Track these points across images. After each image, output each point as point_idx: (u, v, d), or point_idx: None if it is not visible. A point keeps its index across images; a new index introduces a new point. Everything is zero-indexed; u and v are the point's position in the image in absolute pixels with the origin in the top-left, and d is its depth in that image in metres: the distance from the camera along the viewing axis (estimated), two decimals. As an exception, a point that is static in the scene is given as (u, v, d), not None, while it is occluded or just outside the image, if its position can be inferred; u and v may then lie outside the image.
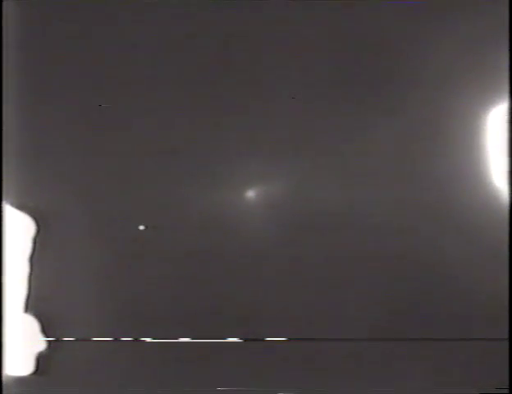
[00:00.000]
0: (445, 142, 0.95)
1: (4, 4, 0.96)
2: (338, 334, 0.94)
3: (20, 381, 0.94)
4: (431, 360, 0.94)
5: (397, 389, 0.93)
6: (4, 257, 0.94)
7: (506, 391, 0.92)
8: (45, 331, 0.94)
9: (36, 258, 0.94)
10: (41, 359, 0.94)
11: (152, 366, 0.95)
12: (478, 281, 0.94)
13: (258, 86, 0.96)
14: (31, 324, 0.94)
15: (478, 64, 0.95)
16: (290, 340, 0.94)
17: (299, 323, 0.94)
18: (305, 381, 0.94)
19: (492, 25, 0.95)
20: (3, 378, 0.94)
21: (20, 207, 0.95)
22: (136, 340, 0.94)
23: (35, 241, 0.94)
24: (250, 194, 0.95)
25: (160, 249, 0.95)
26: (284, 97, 0.95)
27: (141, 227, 0.95)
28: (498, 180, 0.94)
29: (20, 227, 0.94)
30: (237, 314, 0.94)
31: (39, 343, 0.94)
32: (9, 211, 0.95)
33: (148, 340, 0.94)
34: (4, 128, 0.95)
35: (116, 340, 0.94)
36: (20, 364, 0.94)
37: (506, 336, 0.92)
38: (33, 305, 0.94)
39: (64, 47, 0.96)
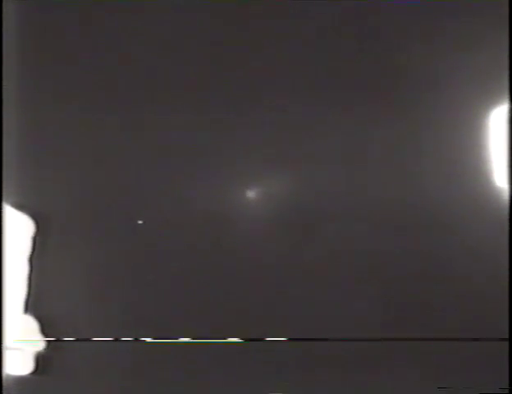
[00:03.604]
0: (446, 142, 0.95)
1: (4, 4, 0.96)
2: (338, 334, 0.94)
3: (20, 381, 0.94)
4: (431, 360, 0.94)
5: (397, 389, 0.93)
6: (4, 257, 0.94)
7: (507, 391, 0.92)
8: (45, 331, 0.94)
9: (36, 258, 0.94)
10: (41, 359, 0.94)
11: (152, 366, 0.95)
12: (478, 281, 0.94)
13: (259, 86, 0.96)
14: (31, 324, 0.94)
15: (479, 64, 0.95)
16: (290, 340, 0.94)
17: (299, 323, 0.94)
18: (305, 381, 0.94)
19: (492, 25, 0.95)
20: (3, 378, 0.94)
21: (20, 207, 0.95)
22: (136, 340, 0.94)
23: (35, 241, 0.95)
24: (251, 193, 0.95)
25: (160, 250, 0.95)
26: (284, 96, 0.96)
27: (140, 222, 0.95)
28: (498, 180, 0.94)
29: (20, 227, 0.95)
30: (237, 314, 0.94)
31: (39, 343, 0.94)
32: (9, 211, 0.95)
33: (148, 340, 0.94)
34: (4, 128, 0.95)
35: (116, 340, 0.94)
36: (20, 364, 0.94)
37: (506, 336, 0.92)
38: (33, 305, 0.94)
39: (64, 47, 0.96)
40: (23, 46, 0.96)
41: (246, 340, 0.94)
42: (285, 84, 0.96)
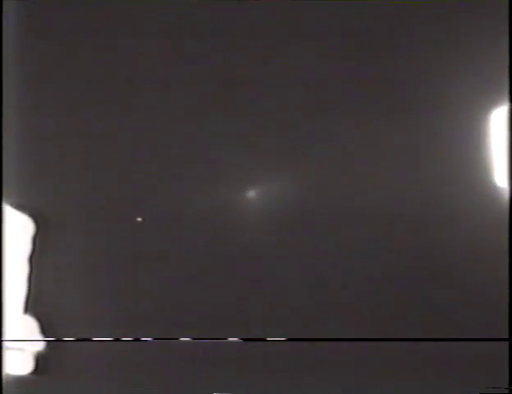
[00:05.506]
0: (446, 142, 0.95)
1: (4, 4, 0.96)
2: (338, 334, 0.94)
3: (20, 381, 0.94)
4: (431, 360, 0.94)
5: (397, 389, 0.93)
6: (4, 257, 0.94)
7: (507, 391, 0.92)
8: (45, 331, 0.94)
9: (36, 258, 0.94)
10: (41, 359, 0.94)
11: (152, 366, 0.95)
12: (478, 281, 0.94)
13: (259, 87, 0.96)
14: (31, 324, 0.94)
15: (478, 64, 0.95)
16: (289, 340, 0.94)
17: (299, 323, 0.94)
18: (305, 381, 0.94)
19: (492, 26, 0.95)
20: (3, 378, 0.94)
21: (20, 207, 0.95)
22: (136, 340, 0.94)
23: (35, 241, 0.95)
24: (251, 193, 0.95)
25: (160, 250, 0.95)
26: (284, 97, 0.95)
27: (139, 219, 0.95)
28: (498, 180, 0.94)
29: (20, 227, 0.95)
30: (237, 314, 0.94)
31: (39, 343, 0.94)
32: (9, 211, 0.95)
33: (149, 340, 0.94)
34: (4, 128, 0.95)
35: (116, 340, 0.94)
36: (20, 364, 0.94)
37: (506, 336, 0.92)
38: (33, 305, 0.94)
39: (64, 47, 0.96)
40: (23, 46, 0.96)
41: (246, 340, 0.94)
42: (286, 85, 0.96)
